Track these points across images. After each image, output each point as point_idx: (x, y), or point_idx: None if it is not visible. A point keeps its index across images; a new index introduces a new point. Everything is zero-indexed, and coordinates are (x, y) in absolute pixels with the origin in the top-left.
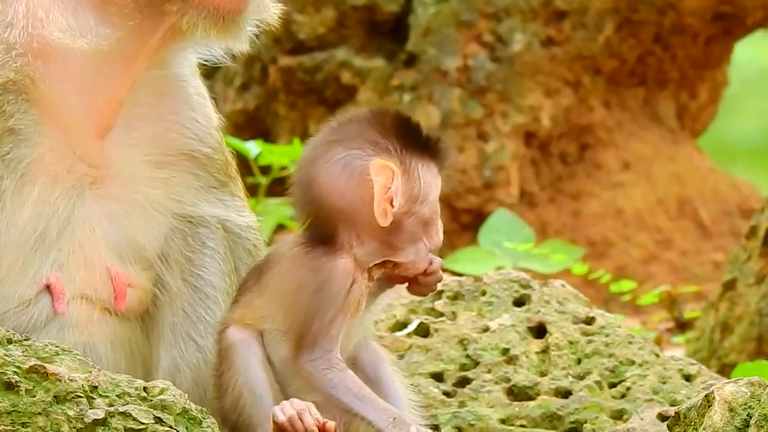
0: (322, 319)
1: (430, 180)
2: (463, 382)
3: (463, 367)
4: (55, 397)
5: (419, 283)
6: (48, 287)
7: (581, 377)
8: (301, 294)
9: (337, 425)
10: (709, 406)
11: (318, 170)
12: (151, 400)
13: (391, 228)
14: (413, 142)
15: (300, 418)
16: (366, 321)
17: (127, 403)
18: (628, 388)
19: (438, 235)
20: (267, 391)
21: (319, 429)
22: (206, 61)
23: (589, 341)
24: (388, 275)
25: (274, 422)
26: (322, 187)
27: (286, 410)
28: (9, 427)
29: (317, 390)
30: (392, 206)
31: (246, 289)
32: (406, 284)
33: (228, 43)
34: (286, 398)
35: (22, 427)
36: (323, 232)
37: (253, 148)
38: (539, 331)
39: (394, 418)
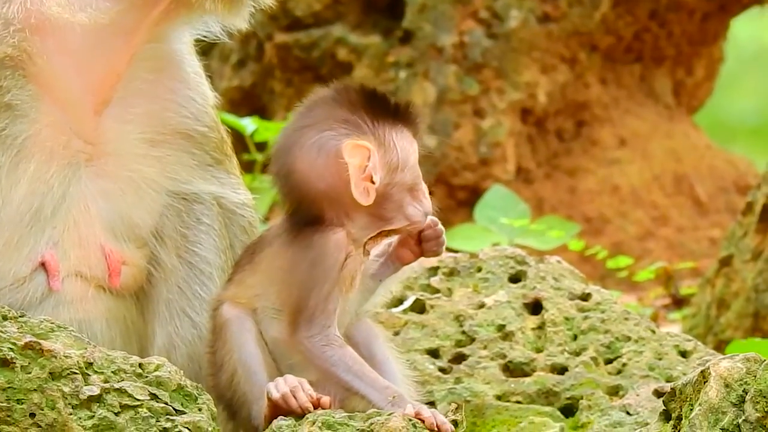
0: (319, 294)
1: (407, 146)
2: (459, 358)
3: (458, 344)
4: (50, 373)
5: (425, 242)
6: (43, 264)
7: (577, 353)
8: (296, 271)
9: (332, 401)
10: (705, 382)
11: (294, 158)
12: (147, 377)
13: (378, 201)
14: (383, 113)
15: (294, 395)
16: (362, 297)
17: (123, 380)
18: (624, 365)
19: (425, 197)
20: (261, 368)
21: (313, 405)
22: (204, 37)
23: (585, 317)
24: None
25: (269, 399)
26: (302, 174)
27: (279, 387)
28: (4, 404)
29: (315, 367)
30: (373, 183)
31: (239, 268)
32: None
33: (230, 19)
34: (281, 375)
35: (18, 403)
36: (311, 215)
37: (249, 124)
38: (535, 307)
39: (394, 397)
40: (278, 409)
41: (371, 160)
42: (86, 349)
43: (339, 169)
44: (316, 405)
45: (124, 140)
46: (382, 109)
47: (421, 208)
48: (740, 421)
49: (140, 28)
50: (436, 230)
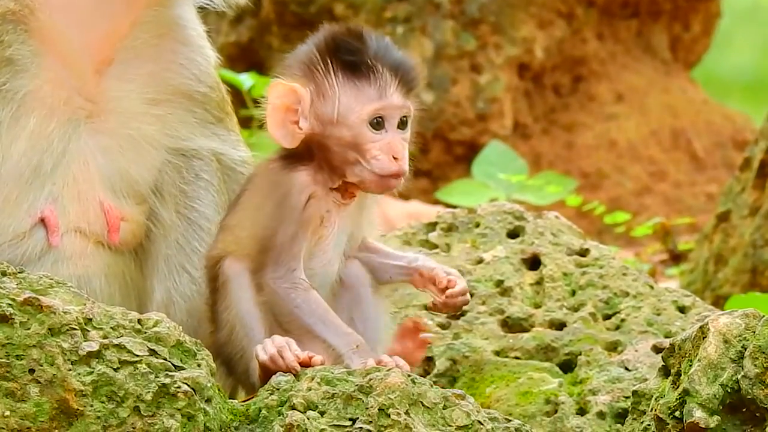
0: (284, 234)
1: (351, 102)
2: (458, 313)
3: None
4: (49, 329)
5: (448, 297)
6: (42, 220)
7: (575, 309)
8: (265, 208)
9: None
10: (703, 338)
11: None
12: (146, 333)
13: (320, 150)
14: (342, 64)
15: (281, 355)
16: (347, 239)
17: (122, 336)
18: (623, 320)
19: (375, 159)
20: (259, 325)
21: (302, 364)
22: (207, 4)
23: (583, 273)
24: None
25: (258, 361)
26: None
27: (267, 349)
28: (3, 360)
29: (280, 308)
30: (299, 127)
31: (227, 211)
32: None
33: None
34: (278, 328)
35: (17, 359)
36: (288, 153)
37: (246, 80)
38: (533, 262)
39: (357, 346)
40: (268, 370)
41: (301, 105)
42: (85, 305)
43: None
44: (305, 364)
45: (124, 98)
46: (342, 58)
47: (368, 167)
48: (739, 377)
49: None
50: (393, 182)
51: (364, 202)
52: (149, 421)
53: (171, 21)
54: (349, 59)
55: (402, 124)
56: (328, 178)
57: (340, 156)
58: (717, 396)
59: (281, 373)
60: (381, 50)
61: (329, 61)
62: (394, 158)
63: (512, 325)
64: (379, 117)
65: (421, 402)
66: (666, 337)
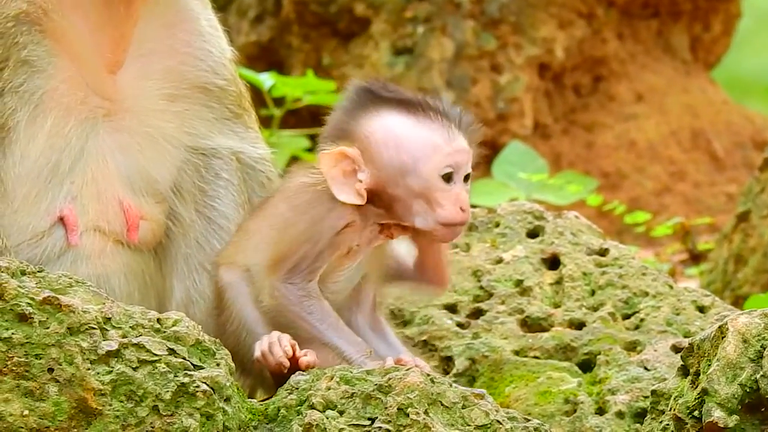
0: (311, 249)
1: (422, 152)
2: (477, 313)
3: (476, 299)
4: (68, 328)
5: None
6: (61, 219)
7: (595, 309)
8: (297, 224)
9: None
10: (722, 338)
11: None
12: (165, 332)
13: (384, 198)
14: (375, 107)
15: (270, 351)
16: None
17: (141, 335)
18: (642, 320)
19: (443, 209)
20: (264, 329)
21: (292, 359)
22: None
23: (603, 273)
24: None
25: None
26: None
27: (263, 344)
28: (23, 359)
29: (290, 313)
30: (360, 181)
31: (239, 227)
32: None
33: None
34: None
35: (36, 358)
36: None
37: (266, 80)
38: (553, 262)
39: (370, 352)
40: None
41: (356, 164)
42: (104, 304)
43: None
44: (293, 360)
45: (142, 96)
46: (378, 103)
47: (434, 216)
48: (758, 376)
49: None
50: (450, 231)
51: (386, 246)
52: (168, 421)
53: (180, 12)
54: (411, 101)
55: (467, 177)
56: (374, 213)
57: (404, 204)
58: (736, 396)
59: (300, 372)
60: (436, 101)
61: (366, 110)
62: (461, 209)
63: (531, 325)
64: (451, 170)
65: (440, 401)
66: (685, 336)
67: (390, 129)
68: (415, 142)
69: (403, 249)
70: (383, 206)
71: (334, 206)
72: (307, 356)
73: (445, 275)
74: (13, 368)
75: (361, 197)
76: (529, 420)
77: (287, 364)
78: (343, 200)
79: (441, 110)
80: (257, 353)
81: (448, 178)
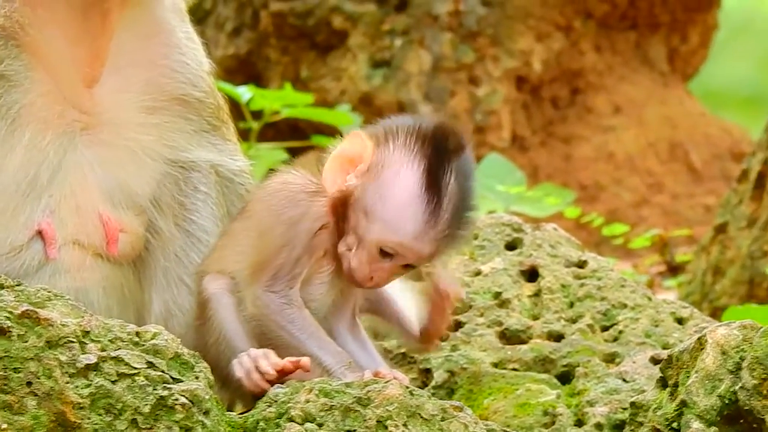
0: (289, 254)
1: (392, 216)
2: (456, 325)
3: (455, 311)
4: (47, 342)
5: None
6: (40, 233)
7: (573, 321)
8: (274, 227)
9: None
10: (701, 349)
11: None
12: (144, 345)
13: (344, 207)
14: (419, 144)
15: (257, 370)
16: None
17: (120, 348)
18: (621, 332)
19: (358, 265)
20: (245, 343)
21: (279, 372)
22: None
23: (582, 285)
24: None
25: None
26: None
27: (244, 364)
28: (1, 373)
29: (270, 322)
30: (345, 179)
31: (222, 233)
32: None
33: None
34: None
35: (14, 372)
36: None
37: (244, 92)
38: (531, 274)
39: (350, 363)
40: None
41: (362, 165)
42: (83, 317)
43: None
44: (281, 373)
45: (120, 108)
46: (421, 148)
47: (350, 259)
48: (737, 388)
49: (115, 4)
50: (353, 279)
51: None
52: None
53: (156, 24)
54: (438, 179)
55: (409, 267)
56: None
57: (348, 227)
58: (715, 407)
59: (278, 385)
60: (463, 198)
61: (418, 161)
62: (370, 277)
63: (510, 337)
64: (392, 253)
65: (419, 414)
66: (664, 348)
67: (397, 179)
68: (396, 209)
69: (407, 302)
70: (338, 214)
71: (309, 208)
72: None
73: (435, 341)
74: None
75: (334, 190)
76: None
77: (266, 387)
78: (325, 177)
79: (450, 211)
80: (238, 373)
81: (385, 254)
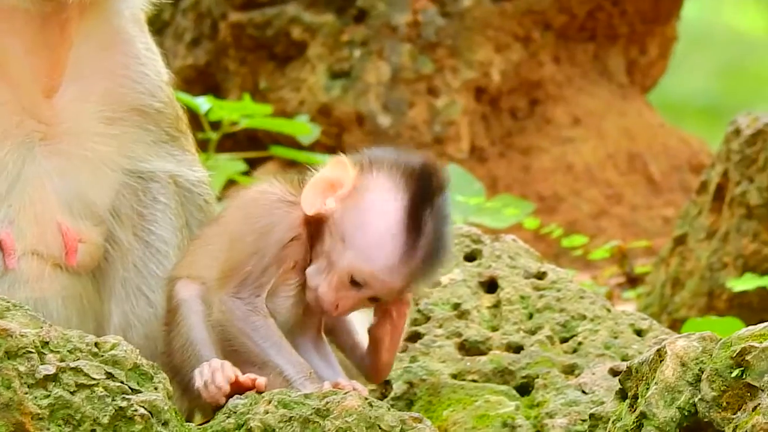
0: (258, 262)
1: (366, 247)
2: (414, 337)
3: (414, 322)
4: (6, 352)
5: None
6: None
7: (533, 332)
8: (245, 235)
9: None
10: (660, 361)
11: None
12: (103, 356)
13: (318, 232)
14: (401, 178)
15: (206, 386)
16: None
17: (79, 359)
18: (580, 343)
19: (326, 290)
20: (211, 351)
21: (234, 387)
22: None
23: (541, 296)
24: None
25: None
26: None
27: (203, 374)
28: None
29: (235, 329)
30: (324, 202)
31: (194, 239)
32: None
33: None
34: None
35: None
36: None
37: (203, 103)
38: (490, 285)
39: (310, 373)
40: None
41: (342, 190)
42: (42, 328)
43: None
44: (235, 385)
45: (80, 119)
46: (407, 185)
47: (319, 284)
48: (696, 400)
49: (76, 11)
50: (318, 304)
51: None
52: None
53: (116, 35)
54: (419, 217)
55: (374, 300)
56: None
57: (322, 250)
58: (674, 419)
59: (237, 396)
60: (439, 240)
61: (401, 197)
62: (336, 305)
63: (469, 348)
64: (361, 283)
65: (378, 425)
66: (623, 360)
67: (378, 210)
68: (374, 240)
69: (360, 328)
70: (315, 234)
71: (282, 218)
72: (259, 379)
73: (384, 372)
74: None
75: (312, 212)
76: None
77: (222, 401)
78: (304, 198)
79: (425, 249)
80: (198, 383)
81: (355, 283)
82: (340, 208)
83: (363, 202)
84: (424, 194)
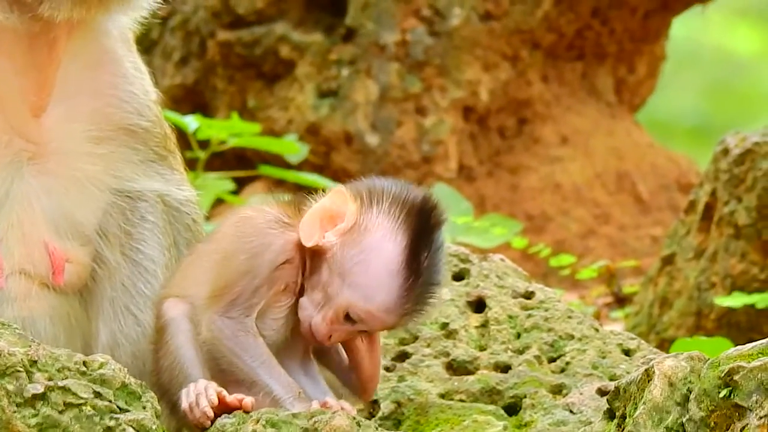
0: (249, 283)
1: (379, 249)
2: (402, 356)
3: (402, 342)
4: None
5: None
6: None
7: (520, 352)
8: (237, 255)
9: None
10: (648, 381)
11: None
12: (91, 375)
13: (315, 264)
14: (402, 214)
15: (191, 408)
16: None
17: (67, 378)
18: (568, 363)
19: (319, 322)
20: (199, 371)
21: (218, 409)
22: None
23: (529, 315)
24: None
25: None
26: None
27: (189, 395)
28: None
29: (224, 348)
30: (323, 235)
31: (184, 259)
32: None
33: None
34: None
35: None
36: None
37: (191, 122)
38: (478, 305)
39: (299, 393)
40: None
41: (342, 224)
42: (30, 346)
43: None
44: (223, 404)
45: (68, 138)
46: (407, 221)
47: (313, 315)
48: (684, 420)
49: (64, 31)
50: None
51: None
52: None
53: (104, 54)
54: (418, 255)
55: (364, 331)
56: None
57: (318, 282)
58: None
59: (226, 415)
60: (434, 264)
61: (401, 233)
62: (329, 337)
63: (457, 368)
64: (357, 319)
65: None
66: (611, 380)
67: (379, 249)
68: (374, 279)
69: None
70: (311, 263)
71: (276, 239)
72: (245, 400)
73: (371, 385)
74: None
75: (310, 244)
76: None
77: (208, 424)
78: (302, 229)
79: (421, 286)
80: (184, 404)
81: (350, 319)
82: (340, 243)
83: (363, 241)
84: (423, 233)
